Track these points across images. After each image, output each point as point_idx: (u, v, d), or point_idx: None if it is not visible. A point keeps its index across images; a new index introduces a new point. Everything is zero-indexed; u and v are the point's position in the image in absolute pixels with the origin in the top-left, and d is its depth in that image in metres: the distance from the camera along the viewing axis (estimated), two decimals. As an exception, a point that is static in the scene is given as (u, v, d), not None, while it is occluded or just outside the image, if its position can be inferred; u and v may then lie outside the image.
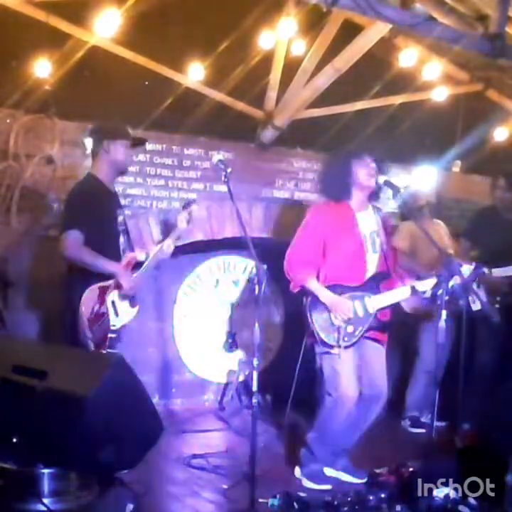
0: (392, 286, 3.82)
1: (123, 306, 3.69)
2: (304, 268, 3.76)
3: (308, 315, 3.75)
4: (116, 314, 3.63)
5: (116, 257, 3.68)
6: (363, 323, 3.73)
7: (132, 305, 3.73)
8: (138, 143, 3.94)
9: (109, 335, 3.59)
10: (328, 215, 3.82)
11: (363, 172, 3.77)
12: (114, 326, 3.62)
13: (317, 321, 3.73)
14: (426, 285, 3.72)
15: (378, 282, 3.79)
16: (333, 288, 3.72)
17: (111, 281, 3.61)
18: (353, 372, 3.76)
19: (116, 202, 3.84)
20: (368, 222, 3.86)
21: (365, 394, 3.82)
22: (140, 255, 3.86)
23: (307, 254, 3.78)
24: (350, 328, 3.71)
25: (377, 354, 3.87)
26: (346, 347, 3.71)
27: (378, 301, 3.75)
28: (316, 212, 3.91)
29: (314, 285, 3.73)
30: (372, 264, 3.82)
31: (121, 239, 3.78)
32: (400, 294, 3.79)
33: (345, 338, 3.70)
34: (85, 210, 3.55)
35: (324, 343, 3.72)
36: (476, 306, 4.52)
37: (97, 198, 3.64)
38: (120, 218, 3.78)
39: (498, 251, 4.54)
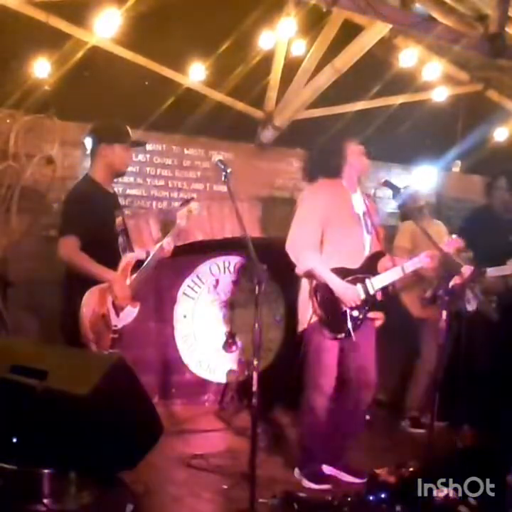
0: (386, 266, 3.85)
1: (124, 306, 3.69)
2: (310, 250, 3.74)
3: (315, 300, 3.75)
4: (117, 315, 3.62)
5: (115, 258, 3.66)
6: (365, 305, 3.78)
7: (133, 305, 3.73)
8: (137, 145, 3.94)
9: (111, 335, 3.59)
10: (326, 194, 3.83)
11: (354, 152, 3.83)
12: (115, 326, 3.61)
13: (323, 306, 3.74)
14: (414, 265, 3.80)
15: (375, 262, 3.84)
16: (336, 272, 3.74)
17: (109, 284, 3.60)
18: (335, 362, 3.80)
19: (114, 203, 3.82)
20: (359, 204, 3.91)
21: (352, 381, 3.87)
22: (140, 254, 3.86)
23: (311, 235, 3.76)
24: (355, 312, 3.75)
25: (368, 334, 3.90)
26: (354, 331, 3.74)
27: (378, 282, 3.80)
28: (313, 193, 3.90)
29: (321, 270, 3.71)
30: (367, 245, 3.87)
31: (121, 239, 3.77)
32: (395, 274, 3.83)
33: (351, 323, 3.73)
34: (82, 214, 3.53)
35: (331, 329, 3.74)
36: (471, 307, 4.53)
37: (94, 200, 3.62)
38: (118, 219, 3.76)
39: (492, 251, 4.54)
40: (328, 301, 3.74)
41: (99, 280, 3.54)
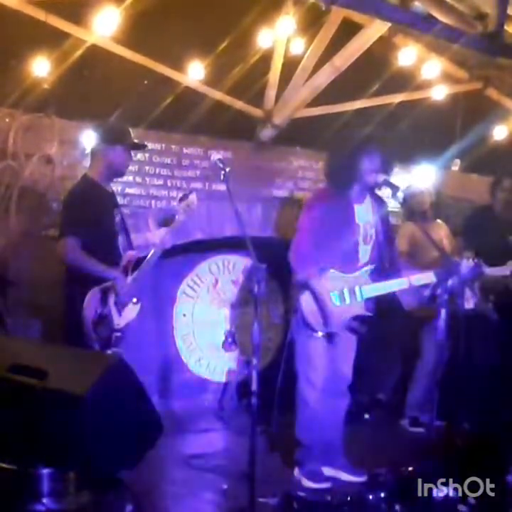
0: (385, 277, 3.84)
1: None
2: (310, 264, 3.77)
3: (297, 298, 3.81)
4: (120, 314, 3.62)
5: (116, 257, 3.67)
6: (350, 311, 3.79)
7: (135, 302, 3.72)
8: (137, 148, 3.93)
9: (114, 334, 3.59)
10: (326, 204, 3.86)
11: (369, 170, 3.77)
12: (118, 325, 3.61)
13: (304, 304, 3.78)
14: (422, 279, 3.76)
15: (369, 272, 3.83)
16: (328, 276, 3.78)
17: (111, 283, 3.60)
18: (324, 360, 3.84)
19: (113, 201, 3.82)
20: (364, 214, 3.89)
21: (327, 379, 3.89)
22: (144, 248, 3.86)
23: (310, 248, 3.80)
24: (337, 315, 3.76)
25: (349, 344, 3.93)
26: (330, 333, 3.79)
27: (368, 291, 3.79)
28: (314, 203, 3.96)
29: (304, 274, 3.76)
30: (364, 255, 3.86)
31: (120, 238, 3.76)
32: (393, 285, 3.83)
33: (329, 324, 3.76)
34: (82, 214, 3.54)
35: (309, 326, 3.79)
36: (469, 305, 4.53)
37: (94, 200, 3.62)
38: (117, 218, 3.77)
39: (492, 251, 4.53)
40: (309, 300, 3.78)
41: (102, 279, 3.55)
